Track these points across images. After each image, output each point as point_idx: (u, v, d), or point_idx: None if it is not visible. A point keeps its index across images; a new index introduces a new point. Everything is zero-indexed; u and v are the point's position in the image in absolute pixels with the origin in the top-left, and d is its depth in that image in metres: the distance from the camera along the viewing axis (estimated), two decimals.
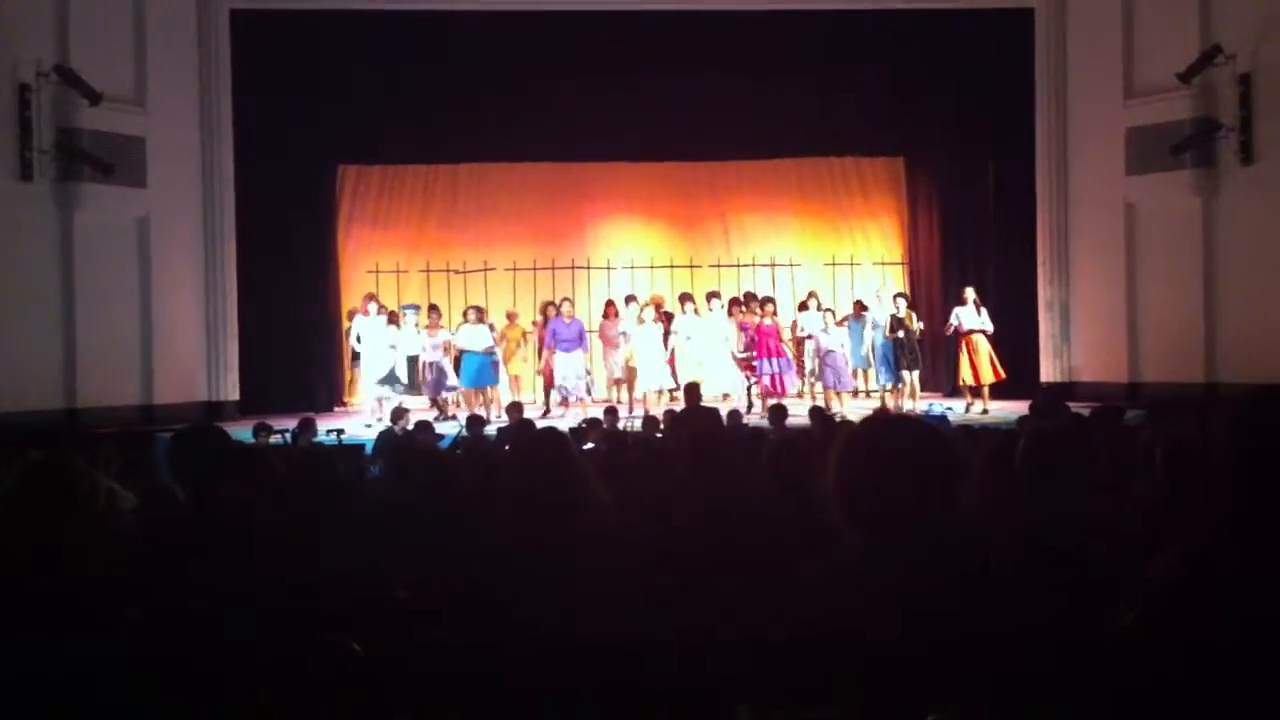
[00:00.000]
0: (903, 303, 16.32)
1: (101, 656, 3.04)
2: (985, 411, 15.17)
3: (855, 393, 16.67)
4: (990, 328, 15.75)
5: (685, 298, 16.79)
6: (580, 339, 16.07)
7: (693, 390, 13.29)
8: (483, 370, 15.86)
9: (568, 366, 15.82)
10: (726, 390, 15.99)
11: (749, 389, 16.22)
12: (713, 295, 16.63)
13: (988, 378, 15.58)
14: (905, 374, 15.90)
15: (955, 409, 14.93)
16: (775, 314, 16.57)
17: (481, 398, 15.97)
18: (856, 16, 16.86)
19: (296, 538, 3.98)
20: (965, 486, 2.53)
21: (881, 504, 2.48)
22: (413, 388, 15.93)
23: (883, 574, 2.41)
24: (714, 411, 12.75)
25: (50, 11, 14.47)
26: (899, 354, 15.91)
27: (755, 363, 15.92)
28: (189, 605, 3.32)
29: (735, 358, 16.11)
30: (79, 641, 3.05)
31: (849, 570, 2.47)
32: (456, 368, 16.02)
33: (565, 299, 16.73)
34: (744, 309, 16.78)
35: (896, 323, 15.92)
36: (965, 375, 15.75)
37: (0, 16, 14.07)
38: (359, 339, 15.78)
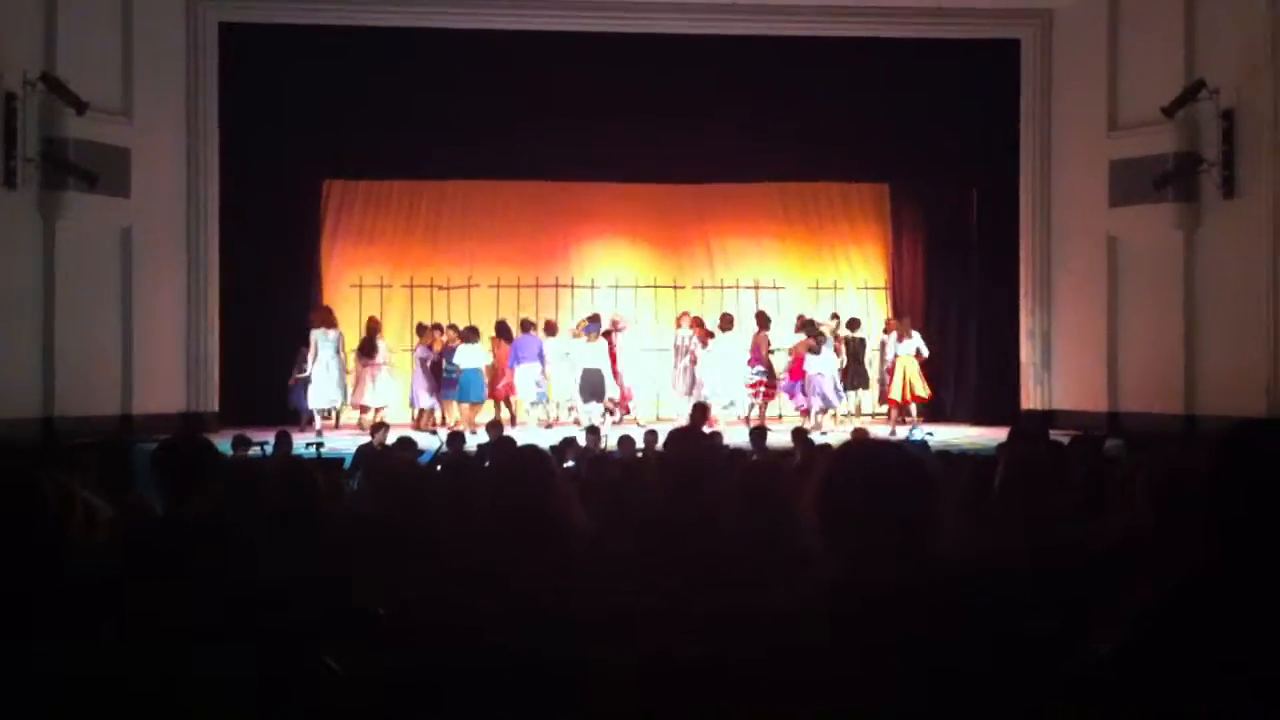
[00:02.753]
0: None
1: (75, 671, 3.02)
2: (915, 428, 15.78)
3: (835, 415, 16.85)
4: (926, 352, 16.78)
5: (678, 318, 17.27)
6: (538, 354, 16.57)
7: (701, 410, 13.28)
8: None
9: (526, 377, 16.31)
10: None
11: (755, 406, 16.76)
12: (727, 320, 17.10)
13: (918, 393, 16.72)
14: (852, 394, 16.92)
15: (935, 434, 14.96)
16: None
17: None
18: (845, 44, 16.92)
19: (277, 551, 3.95)
20: (944, 512, 2.53)
21: (860, 530, 2.47)
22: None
23: (858, 600, 2.41)
24: (708, 436, 12.84)
25: (38, 20, 14.46)
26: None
27: (787, 386, 16.43)
28: (166, 620, 3.29)
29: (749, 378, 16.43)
30: (51, 657, 3.02)
31: (823, 596, 2.46)
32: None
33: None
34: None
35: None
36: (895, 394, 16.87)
37: None
38: (315, 350, 15.66)
